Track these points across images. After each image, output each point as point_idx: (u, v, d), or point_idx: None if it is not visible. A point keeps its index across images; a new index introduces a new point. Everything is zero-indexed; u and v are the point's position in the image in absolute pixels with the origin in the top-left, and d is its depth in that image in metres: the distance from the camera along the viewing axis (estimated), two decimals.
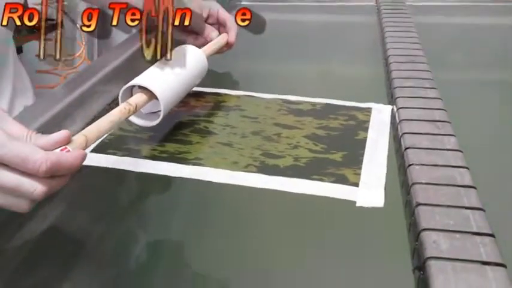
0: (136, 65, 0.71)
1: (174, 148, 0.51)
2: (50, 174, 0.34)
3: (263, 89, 0.66)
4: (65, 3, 1.17)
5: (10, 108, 0.65)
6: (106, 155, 0.50)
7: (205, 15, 0.72)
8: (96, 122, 0.43)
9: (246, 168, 0.48)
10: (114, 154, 0.50)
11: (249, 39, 0.76)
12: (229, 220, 0.43)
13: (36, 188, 0.34)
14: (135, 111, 0.47)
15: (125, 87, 0.50)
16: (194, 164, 0.49)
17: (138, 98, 0.49)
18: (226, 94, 0.64)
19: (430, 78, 0.63)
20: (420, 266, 0.35)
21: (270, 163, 0.49)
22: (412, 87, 0.61)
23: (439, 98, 0.58)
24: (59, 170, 0.35)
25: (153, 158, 0.50)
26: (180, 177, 0.47)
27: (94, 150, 0.51)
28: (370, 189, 0.45)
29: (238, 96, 0.64)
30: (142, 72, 0.71)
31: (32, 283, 0.36)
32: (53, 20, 1.39)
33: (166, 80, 0.52)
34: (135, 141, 0.53)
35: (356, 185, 0.45)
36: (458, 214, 0.38)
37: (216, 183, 0.46)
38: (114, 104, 0.63)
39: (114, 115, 0.45)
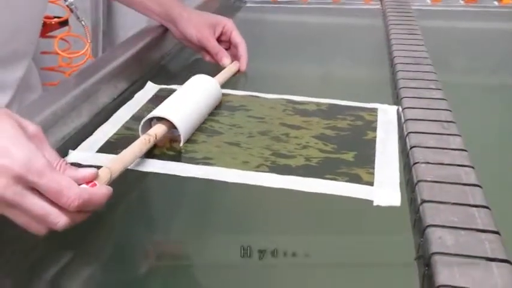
0: (140, 61, 0.72)
1: (180, 147, 0.51)
2: (78, 210, 0.35)
3: (268, 89, 0.66)
4: (71, 0, 1.18)
5: (19, 104, 0.65)
6: (114, 155, 0.49)
7: (218, 31, 0.72)
8: (120, 154, 0.44)
9: (258, 168, 0.48)
10: None
11: (254, 40, 0.77)
12: (243, 220, 0.43)
13: (61, 220, 0.34)
14: (156, 141, 0.49)
15: (144, 119, 0.51)
16: (204, 164, 0.48)
17: (158, 128, 0.50)
18: (230, 94, 0.64)
19: (435, 79, 0.64)
20: (423, 256, 0.35)
21: (282, 163, 0.49)
22: (418, 88, 0.61)
23: (444, 99, 0.58)
24: (87, 207, 0.35)
25: (161, 157, 0.49)
26: (190, 177, 0.46)
27: (101, 150, 0.50)
28: (385, 188, 0.45)
29: (243, 96, 0.64)
30: (145, 68, 0.72)
31: (33, 280, 0.36)
32: (60, 17, 1.40)
33: (184, 111, 0.53)
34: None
35: (371, 184, 0.45)
36: (463, 211, 0.39)
37: (228, 182, 0.46)
38: (119, 99, 0.63)
39: (136, 147, 0.46)
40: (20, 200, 0.33)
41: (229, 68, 0.70)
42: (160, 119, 0.51)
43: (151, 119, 0.51)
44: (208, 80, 0.61)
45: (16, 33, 0.59)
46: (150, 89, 0.65)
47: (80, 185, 0.36)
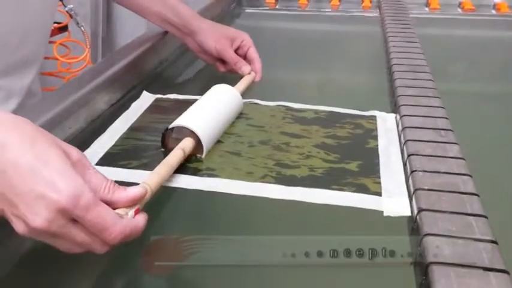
0: (138, 67, 0.72)
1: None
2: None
3: (265, 96, 0.66)
4: (71, 6, 1.18)
5: (21, 111, 0.64)
6: (117, 168, 0.48)
7: (236, 44, 0.73)
8: (157, 172, 0.43)
9: (263, 179, 0.47)
10: (124, 166, 0.49)
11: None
12: (250, 231, 0.42)
13: (102, 249, 0.34)
14: (185, 155, 0.48)
15: (170, 126, 0.50)
16: (208, 175, 0.48)
17: (189, 144, 0.49)
18: None
19: (433, 87, 0.64)
20: (421, 265, 0.35)
21: (287, 173, 0.48)
22: (415, 96, 0.61)
23: (442, 107, 0.58)
24: (127, 239, 0.35)
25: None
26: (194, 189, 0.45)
27: (101, 162, 0.49)
28: (394, 198, 0.44)
29: (243, 104, 0.63)
30: (143, 75, 0.72)
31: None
32: (59, 23, 1.40)
33: (210, 127, 0.52)
34: (143, 151, 0.52)
35: (378, 194, 0.45)
36: (461, 220, 0.38)
37: (230, 194, 0.45)
38: (117, 105, 0.63)
39: (172, 163, 0.45)
40: (64, 232, 0.33)
41: (248, 78, 0.69)
42: (181, 129, 0.50)
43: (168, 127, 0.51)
44: (234, 94, 0.60)
45: (26, 38, 0.59)
46: (146, 98, 0.65)
47: (127, 206, 0.35)
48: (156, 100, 0.65)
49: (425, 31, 0.91)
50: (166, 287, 0.37)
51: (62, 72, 1.33)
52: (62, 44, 1.32)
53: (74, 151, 0.35)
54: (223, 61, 0.73)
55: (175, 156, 0.46)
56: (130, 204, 0.36)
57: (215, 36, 0.72)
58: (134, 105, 0.63)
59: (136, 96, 0.65)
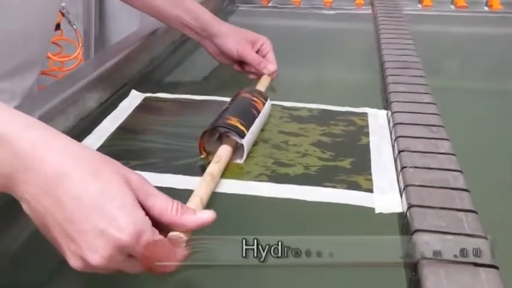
0: (129, 65, 0.71)
1: None
2: None
3: None
4: (63, 4, 1.17)
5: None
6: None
7: (256, 47, 0.73)
8: (206, 185, 0.42)
9: (257, 178, 0.47)
10: None
11: None
12: (245, 230, 0.41)
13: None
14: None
15: (243, 142, 0.49)
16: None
17: (228, 153, 0.48)
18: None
19: (425, 84, 0.64)
20: (410, 261, 0.35)
21: (281, 172, 0.48)
22: (407, 92, 0.61)
23: (433, 103, 0.58)
24: None
25: (167, 169, 0.47)
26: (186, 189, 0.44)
27: None
28: (386, 195, 0.44)
29: None
30: (133, 73, 0.71)
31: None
32: None
33: (253, 137, 0.52)
34: (143, 151, 0.52)
35: (370, 191, 0.45)
36: (451, 216, 0.38)
37: (224, 193, 0.45)
38: (106, 104, 0.63)
39: (217, 175, 0.45)
40: (119, 267, 0.32)
41: (267, 79, 0.69)
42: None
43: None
44: (269, 112, 0.59)
45: (30, 38, 0.58)
46: (135, 97, 0.64)
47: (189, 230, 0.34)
48: (145, 99, 0.64)
49: (418, 28, 0.91)
50: (166, 287, 0.37)
51: (54, 71, 1.33)
52: (54, 43, 1.32)
53: (135, 177, 0.33)
54: (240, 62, 0.73)
55: (217, 168, 0.46)
56: (197, 229, 0.34)
57: (236, 39, 0.72)
58: (123, 104, 0.62)
59: (127, 94, 0.64)
